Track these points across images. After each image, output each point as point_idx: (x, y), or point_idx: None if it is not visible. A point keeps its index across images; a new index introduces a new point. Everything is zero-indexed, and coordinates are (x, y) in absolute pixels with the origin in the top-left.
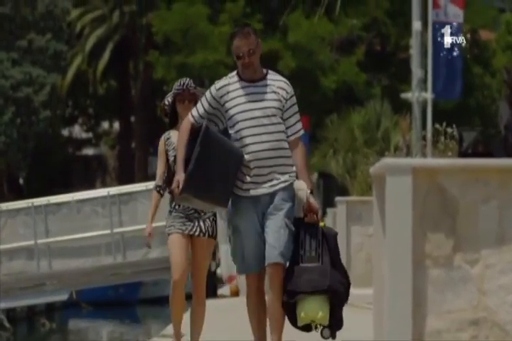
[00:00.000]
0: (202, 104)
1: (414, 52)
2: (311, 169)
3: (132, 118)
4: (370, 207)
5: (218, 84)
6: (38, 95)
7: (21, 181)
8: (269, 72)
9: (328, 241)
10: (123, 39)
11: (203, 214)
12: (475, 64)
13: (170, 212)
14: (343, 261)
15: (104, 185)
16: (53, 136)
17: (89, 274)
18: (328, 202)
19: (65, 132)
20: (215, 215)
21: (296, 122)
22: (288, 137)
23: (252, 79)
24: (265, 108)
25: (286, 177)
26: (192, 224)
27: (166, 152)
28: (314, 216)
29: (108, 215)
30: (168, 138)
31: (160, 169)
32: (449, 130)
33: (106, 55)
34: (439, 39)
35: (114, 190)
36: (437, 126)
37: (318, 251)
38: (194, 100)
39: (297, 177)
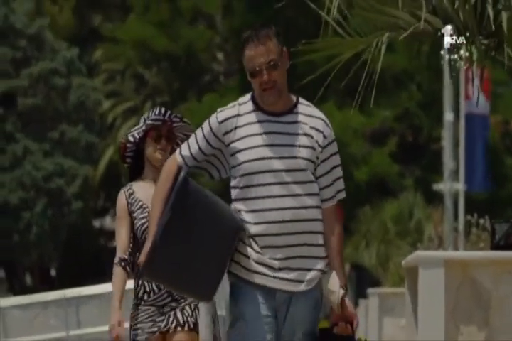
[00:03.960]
0: (196, 141)
1: (446, 143)
2: (344, 260)
3: None
4: (403, 298)
5: (222, 113)
6: (70, 186)
7: (53, 272)
8: (301, 100)
9: None
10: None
11: (182, 300)
12: (507, 155)
13: (136, 305)
14: None
15: None
16: (85, 227)
17: None
18: (360, 294)
19: (97, 223)
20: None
21: (334, 181)
22: (321, 202)
23: (274, 111)
24: (291, 158)
25: (316, 266)
26: (165, 317)
27: (130, 213)
28: (348, 326)
29: None
30: (131, 194)
31: (121, 238)
32: (481, 221)
33: None
34: (470, 130)
35: None
36: (469, 217)
37: None
38: (174, 140)
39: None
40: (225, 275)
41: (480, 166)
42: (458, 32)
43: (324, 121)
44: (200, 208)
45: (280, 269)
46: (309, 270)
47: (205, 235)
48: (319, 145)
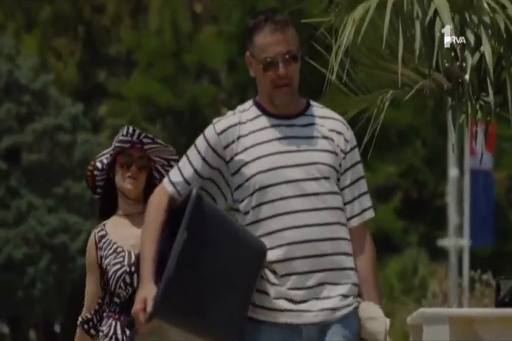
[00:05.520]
0: (189, 161)
1: (451, 199)
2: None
3: None
4: None
5: (220, 123)
6: (75, 242)
7: (57, 328)
8: (312, 102)
9: None
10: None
11: None
12: (511, 211)
13: None
14: None
15: None
16: None
17: None
18: None
19: None
20: None
21: (360, 195)
22: (347, 220)
23: (284, 114)
24: (310, 164)
25: (348, 292)
26: None
27: (100, 259)
28: None
29: None
30: (102, 237)
31: (87, 291)
32: (485, 277)
33: None
34: (475, 186)
35: None
36: (473, 273)
37: None
38: (149, 166)
39: (359, 295)
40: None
41: (485, 222)
42: (462, 89)
43: (343, 123)
44: (218, 228)
45: (305, 301)
46: (340, 297)
47: (226, 262)
48: (341, 150)
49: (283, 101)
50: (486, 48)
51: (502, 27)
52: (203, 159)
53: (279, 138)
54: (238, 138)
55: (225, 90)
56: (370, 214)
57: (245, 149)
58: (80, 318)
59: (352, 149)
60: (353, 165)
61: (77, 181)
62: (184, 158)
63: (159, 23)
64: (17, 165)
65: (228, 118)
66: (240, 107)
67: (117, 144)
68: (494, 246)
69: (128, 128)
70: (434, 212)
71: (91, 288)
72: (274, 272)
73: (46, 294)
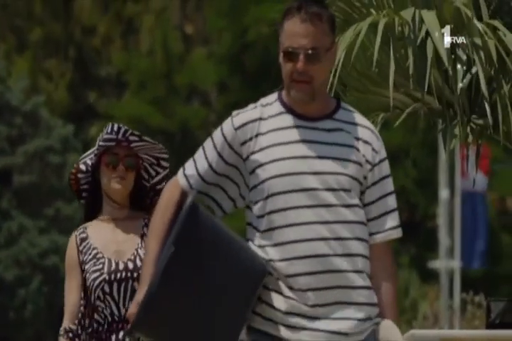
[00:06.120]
0: (205, 155)
1: (442, 220)
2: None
3: None
4: None
5: (240, 117)
6: None
7: None
8: (343, 104)
9: None
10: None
11: None
12: (503, 232)
13: None
14: None
15: None
16: None
17: None
18: None
19: None
20: None
21: (387, 213)
22: (370, 236)
23: (308, 114)
24: (328, 173)
25: (364, 315)
26: None
27: (81, 264)
28: None
29: None
30: (83, 240)
31: (69, 299)
32: (477, 298)
33: None
34: (466, 207)
35: None
36: (465, 294)
37: None
38: (137, 166)
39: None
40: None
41: (477, 243)
42: (453, 111)
43: (372, 132)
44: (212, 244)
45: (319, 318)
46: (357, 321)
47: (219, 279)
48: (368, 161)
49: (298, 97)
50: (479, 70)
51: (493, 50)
52: (219, 154)
53: (299, 141)
54: (257, 135)
55: (215, 112)
56: (396, 233)
57: (261, 149)
58: (61, 329)
59: (381, 161)
60: (381, 179)
61: (67, 202)
62: (200, 150)
63: (150, 44)
64: (8, 186)
65: (248, 112)
66: (262, 100)
67: (101, 143)
68: (486, 267)
69: (112, 126)
70: (425, 234)
71: (73, 295)
72: (287, 286)
73: (37, 316)
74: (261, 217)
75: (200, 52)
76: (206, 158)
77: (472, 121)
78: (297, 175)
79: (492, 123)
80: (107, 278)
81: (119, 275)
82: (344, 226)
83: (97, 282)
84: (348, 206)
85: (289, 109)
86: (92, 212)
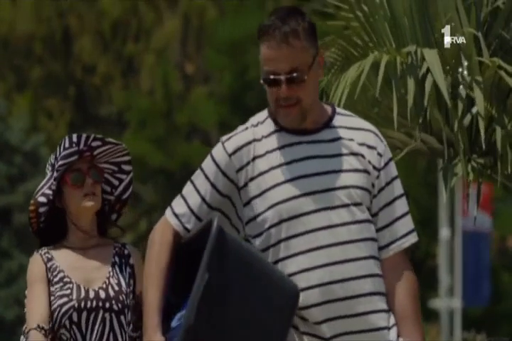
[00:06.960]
0: (196, 189)
1: (442, 260)
2: None
3: None
4: None
5: (232, 141)
6: None
7: None
8: (338, 110)
9: None
10: None
11: None
12: (504, 271)
13: None
14: None
15: None
16: None
17: None
18: None
19: None
20: None
21: (397, 219)
22: (381, 250)
23: (302, 128)
24: (337, 189)
25: (383, 339)
26: None
27: (48, 282)
28: None
29: None
30: (49, 259)
31: (37, 307)
32: (479, 338)
33: None
34: (467, 247)
35: None
36: (466, 334)
37: None
38: (101, 174)
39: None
40: None
41: (478, 282)
42: (453, 151)
43: (375, 134)
44: (244, 269)
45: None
46: None
47: (255, 307)
48: (374, 166)
49: (287, 123)
50: (480, 107)
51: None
52: (212, 186)
53: (300, 160)
54: (254, 159)
55: None
56: (411, 238)
57: (261, 174)
58: (32, 325)
59: (386, 164)
60: (388, 184)
61: None
62: (189, 184)
63: (150, 83)
64: (8, 225)
65: (240, 135)
66: (252, 119)
67: (61, 162)
68: (486, 306)
69: (70, 138)
70: (425, 273)
71: (40, 304)
72: (302, 318)
73: None
74: (265, 250)
75: (200, 91)
76: (198, 191)
77: (473, 160)
78: (304, 197)
79: (492, 163)
80: (76, 305)
81: (89, 303)
82: (362, 244)
83: (65, 308)
84: (361, 222)
85: (282, 127)
86: (52, 238)
